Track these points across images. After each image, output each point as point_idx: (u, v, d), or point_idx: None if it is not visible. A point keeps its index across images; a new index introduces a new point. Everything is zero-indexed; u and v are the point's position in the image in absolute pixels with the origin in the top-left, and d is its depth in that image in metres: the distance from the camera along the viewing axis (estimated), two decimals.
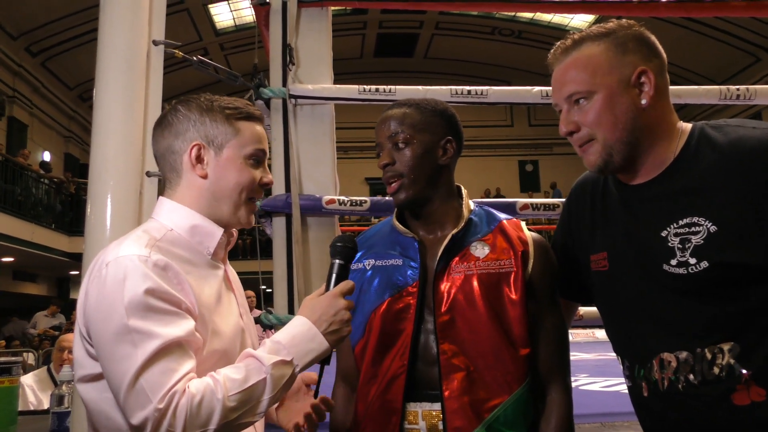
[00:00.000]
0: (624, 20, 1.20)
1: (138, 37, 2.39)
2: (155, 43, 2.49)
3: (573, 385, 1.34)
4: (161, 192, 1.20)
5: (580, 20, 13.20)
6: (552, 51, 1.23)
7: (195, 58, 2.91)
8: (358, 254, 1.31)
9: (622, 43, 1.16)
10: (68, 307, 10.53)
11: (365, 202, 3.10)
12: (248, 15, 13.57)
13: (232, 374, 1.00)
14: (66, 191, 12.86)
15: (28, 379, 3.38)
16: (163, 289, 1.00)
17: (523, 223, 1.37)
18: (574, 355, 3.10)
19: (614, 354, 1.28)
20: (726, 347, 1.07)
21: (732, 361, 1.06)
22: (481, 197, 10.52)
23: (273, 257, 3.20)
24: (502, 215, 1.38)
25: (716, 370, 1.07)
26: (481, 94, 3.19)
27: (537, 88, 3.16)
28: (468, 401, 1.20)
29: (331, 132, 3.42)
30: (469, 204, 1.37)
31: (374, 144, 1.36)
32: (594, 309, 1.36)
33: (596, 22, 7.46)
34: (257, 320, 2.75)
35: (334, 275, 1.17)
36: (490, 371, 1.22)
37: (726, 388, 1.07)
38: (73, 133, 15.67)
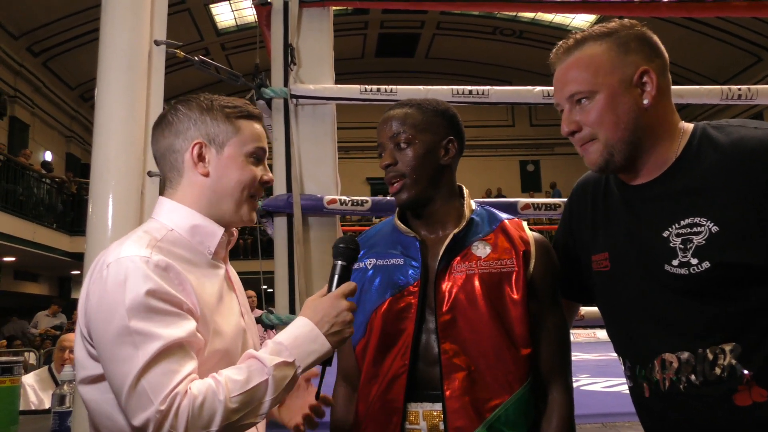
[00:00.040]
0: (626, 20, 1.20)
1: (139, 37, 2.40)
2: (157, 43, 2.49)
3: (574, 385, 1.34)
4: (161, 192, 1.20)
5: (582, 20, 13.19)
6: (554, 51, 1.23)
7: (196, 58, 2.92)
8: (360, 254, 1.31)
9: (624, 43, 1.16)
10: (69, 307, 10.52)
11: (366, 202, 3.10)
12: (250, 15, 13.57)
13: (234, 375, 1.00)
14: (67, 191, 12.88)
15: (29, 379, 3.37)
16: (164, 290, 1.00)
17: (524, 223, 1.37)
18: (576, 356, 3.10)
19: (615, 354, 1.28)
20: (727, 348, 1.07)
21: (733, 361, 1.06)
22: (483, 197, 10.49)
23: (274, 257, 3.21)
24: (503, 215, 1.37)
25: (718, 370, 1.07)
26: (483, 94, 3.19)
27: (538, 88, 3.16)
28: (469, 401, 1.20)
29: (333, 132, 3.42)
30: (471, 204, 1.37)
31: (376, 144, 1.36)
32: (595, 309, 1.36)
33: (598, 22, 7.44)
34: (258, 320, 2.76)
35: (336, 276, 1.17)
36: (492, 371, 1.22)
37: (728, 389, 1.06)
38: (74, 133, 15.67)
